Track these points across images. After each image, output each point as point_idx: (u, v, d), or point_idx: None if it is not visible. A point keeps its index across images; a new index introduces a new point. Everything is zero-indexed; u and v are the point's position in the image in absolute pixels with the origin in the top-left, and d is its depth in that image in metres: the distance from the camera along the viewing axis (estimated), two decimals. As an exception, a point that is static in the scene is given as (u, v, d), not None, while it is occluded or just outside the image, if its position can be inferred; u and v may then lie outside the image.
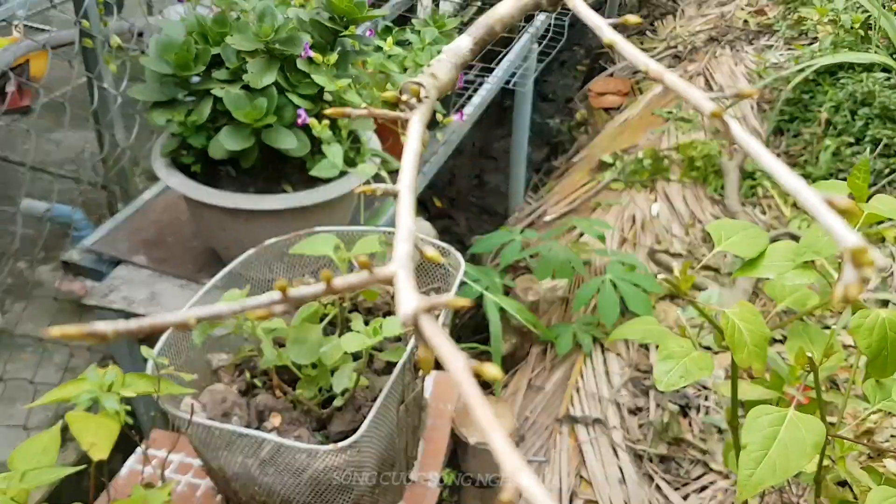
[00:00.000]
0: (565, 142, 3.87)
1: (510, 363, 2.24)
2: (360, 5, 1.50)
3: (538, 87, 4.49)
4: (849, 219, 0.90)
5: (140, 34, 2.19)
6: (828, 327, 1.55)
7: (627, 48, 0.32)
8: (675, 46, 3.86)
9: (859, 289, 0.19)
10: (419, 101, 0.32)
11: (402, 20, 3.00)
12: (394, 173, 1.52)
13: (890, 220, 1.12)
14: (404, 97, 0.32)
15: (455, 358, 0.20)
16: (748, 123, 3.16)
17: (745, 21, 3.95)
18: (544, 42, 2.94)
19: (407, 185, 0.28)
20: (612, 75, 3.91)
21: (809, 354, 0.96)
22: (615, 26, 0.33)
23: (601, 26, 0.32)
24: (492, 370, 0.21)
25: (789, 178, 0.24)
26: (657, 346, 1.15)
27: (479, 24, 0.38)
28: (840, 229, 0.21)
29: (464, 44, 0.38)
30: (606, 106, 3.69)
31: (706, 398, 2.04)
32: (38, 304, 1.76)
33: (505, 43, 2.76)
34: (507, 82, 2.74)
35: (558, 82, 4.53)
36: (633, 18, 0.36)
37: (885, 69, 3.03)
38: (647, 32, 4.20)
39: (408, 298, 0.22)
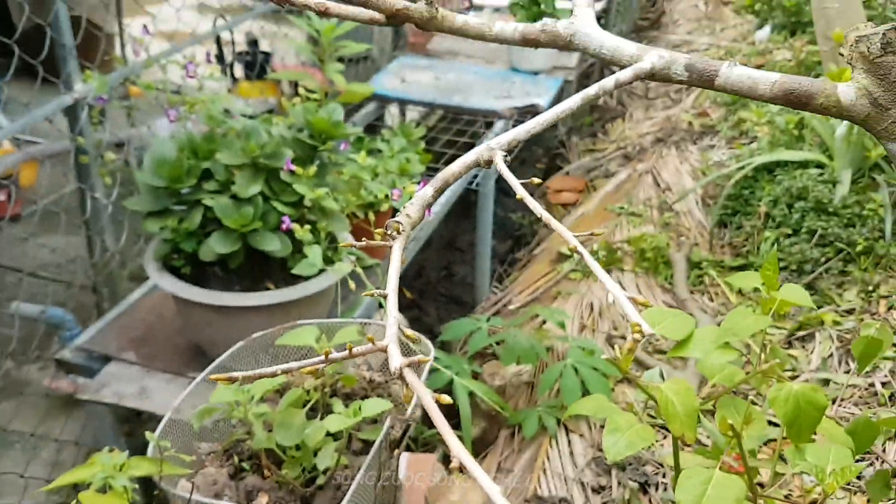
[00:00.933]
0: (527, 235, 4.09)
1: (480, 446, 2.35)
2: (336, 124, 1.70)
3: (501, 183, 4.77)
4: (763, 305, 1.10)
5: (123, 144, 2.37)
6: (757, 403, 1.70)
7: (534, 205, 0.48)
8: (625, 147, 4.17)
9: (632, 346, 0.35)
10: (399, 233, 0.48)
11: (372, 128, 3.25)
12: (368, 269, 1.68)
13: (798, 306, 1.29)
14: (389, 231, 0.48)
15: (424, 393, 0.35)
16: (694, 217, 3.41)
17: (690, 123, 4.29)
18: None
19: (392, 289, 0.44)
20: (567, 174, 4.18)
21: (731, 422, 1.11)
22: (525, 184, 0.50)
23: (515, 185, 0.49)
24: (446, 398, 0.36)
25: (606, 279, 0.40)
26: (608, 422, 1.29)
27: (438, 178, 0.55)
28: (633, 315, 0.37)
29: (428, 192, 0.54)
30: (563, 202, 3.94)
31: (664, 475, 2.16)
32: (28, 401, 1.85)
33: (469, 146, 3.00)
34: (471, 183, 2.96)
35: (520, 179, 4.80)
36: (535, 180, 0.53)
37: (818, 165, 3.31)
38: (599, 134, 4.52)
39: (396, 358, 0.37)
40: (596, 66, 5.39)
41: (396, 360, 0.36)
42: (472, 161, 0.55)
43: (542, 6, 3.30)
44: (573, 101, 0.67)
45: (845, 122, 3.32)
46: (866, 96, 0.67)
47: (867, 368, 1.39)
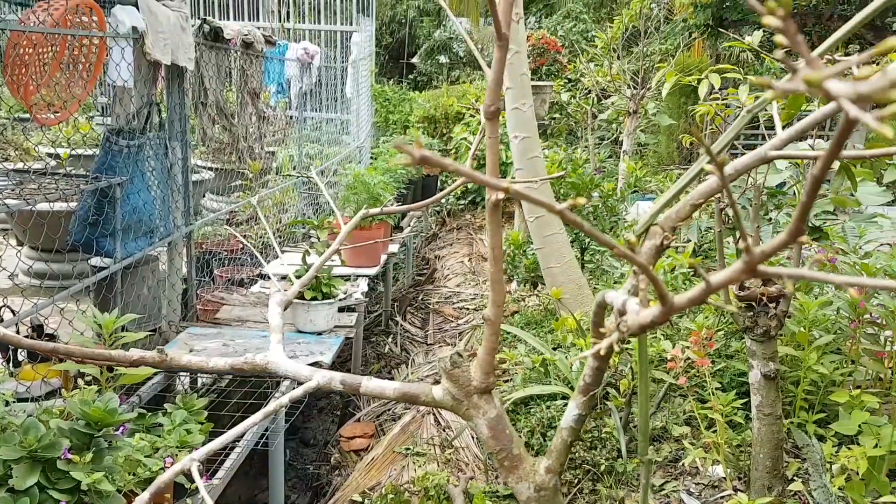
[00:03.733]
0: (325, 484, 4.24)
1: None
2: (111, 412, 1.91)
3: (300, 433, 4.94)
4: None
5: None
6: None
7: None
8: (408, 391, 4.60)
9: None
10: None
11: (162, 397, 3.39)
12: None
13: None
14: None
15: None
16: (471, 451, 3.80)
17: (483, 318, 4.85)
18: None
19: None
20: (359, 420, 4.48)
21: None
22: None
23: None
24: None
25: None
26: None
27: (203, 451, 0.85)
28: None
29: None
30: (356, 448, 4.19)
31: None
32: None
33: (258, 406, 3.23)
34: (257, 444, 3.15)
35: (318, 427, 5.01)
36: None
37: (564, 397, 3.90)
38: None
39: None
40: (382, 317, 5.98)
41: None
42: (174, 472, 0.86)
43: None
44: (278, 404, 1.01)
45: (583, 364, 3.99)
46: (448, 394, 1.07)
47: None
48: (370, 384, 1.06)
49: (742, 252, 0.41)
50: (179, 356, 1.04)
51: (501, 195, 0.83)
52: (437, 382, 4.35)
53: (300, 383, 1.07)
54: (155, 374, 2.95)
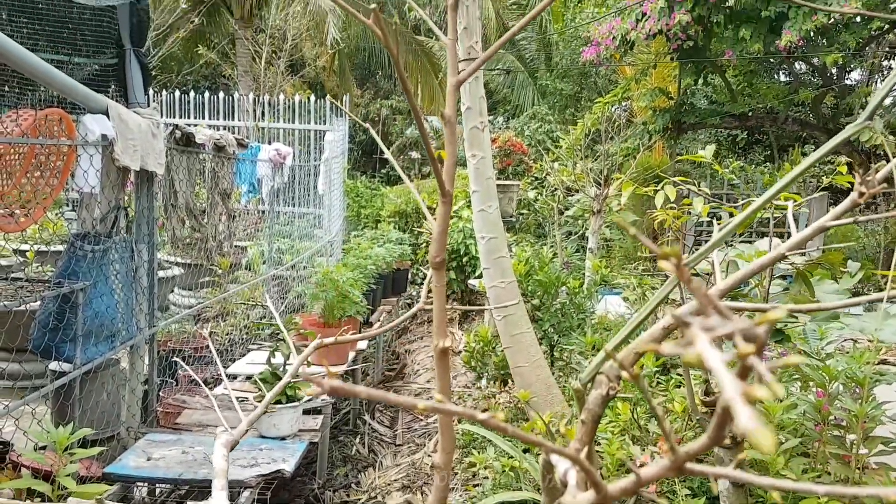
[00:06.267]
0: None
1: None
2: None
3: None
4: None
5: None
6: None
7: None
8: (376, 497, 4.46)
9: None
10: None
11: (115, 510, 3.24)
12: None
13: None
14: None
15: None
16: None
17: (431, 466, 4.74)
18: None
19: None
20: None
21: None
22: None
23: None
24: None
25: None
26: None
27: None
28: None
29: None
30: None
31: None
32: None
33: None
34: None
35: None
36: None
37: (535, 502, 3.82)
38: (353, 485, 4.79)
39: None
40: (350, 414, 5.86)
41: None
42: None
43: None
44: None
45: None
46: None
47: None
48: None
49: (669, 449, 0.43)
50: None
51: (448, 342, 0.84)
52: (404, 486, 4.21)
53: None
54: (107, 491, 2.84)
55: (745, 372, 0.38)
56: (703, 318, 0.36)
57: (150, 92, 4.11)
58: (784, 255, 0.90)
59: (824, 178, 2.94)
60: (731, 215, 2.80)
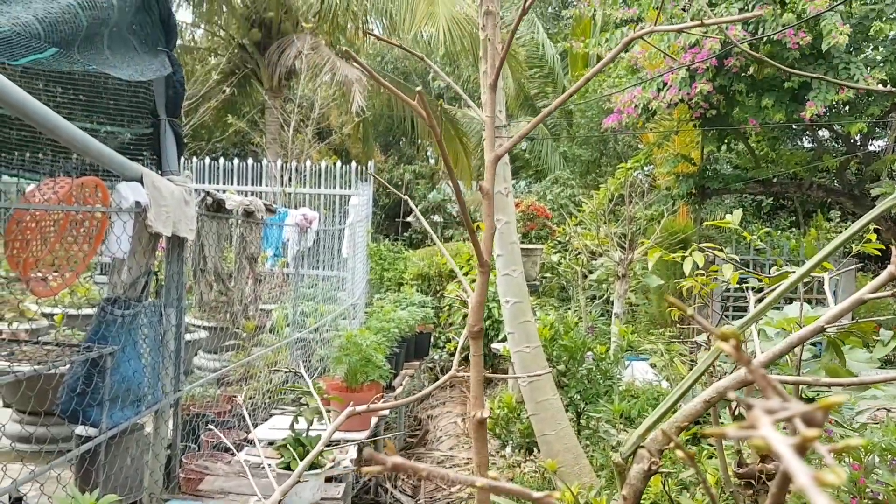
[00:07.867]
0: None
1: None
2: None
3: None
4: None
5: None
6: None
7: None
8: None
9: None
10: None
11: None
12: None
13: None
14: None
15: None
16: None
17: None
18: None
19: None
20: None
21: None
22: None
23: None
24: None
25: None
26: None
27: None
28: None
29: None
30: None
31: None
32: None
33: None
34: None
35: None
36: None
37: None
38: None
39: None
40: (372, 483, 5.75)
41: None
42: None
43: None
44: None
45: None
46: None
47: None
48: None
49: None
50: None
51: (487, 413, 0.84)
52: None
53: None
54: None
55: (802, 453, 0.37)
56: (764, 401, 0.35)
57: (182, 159, 4.22)
58: (823, 328, 0.89)
59: (853, 245, 2.92)
60: (760, 282, 2.77)
